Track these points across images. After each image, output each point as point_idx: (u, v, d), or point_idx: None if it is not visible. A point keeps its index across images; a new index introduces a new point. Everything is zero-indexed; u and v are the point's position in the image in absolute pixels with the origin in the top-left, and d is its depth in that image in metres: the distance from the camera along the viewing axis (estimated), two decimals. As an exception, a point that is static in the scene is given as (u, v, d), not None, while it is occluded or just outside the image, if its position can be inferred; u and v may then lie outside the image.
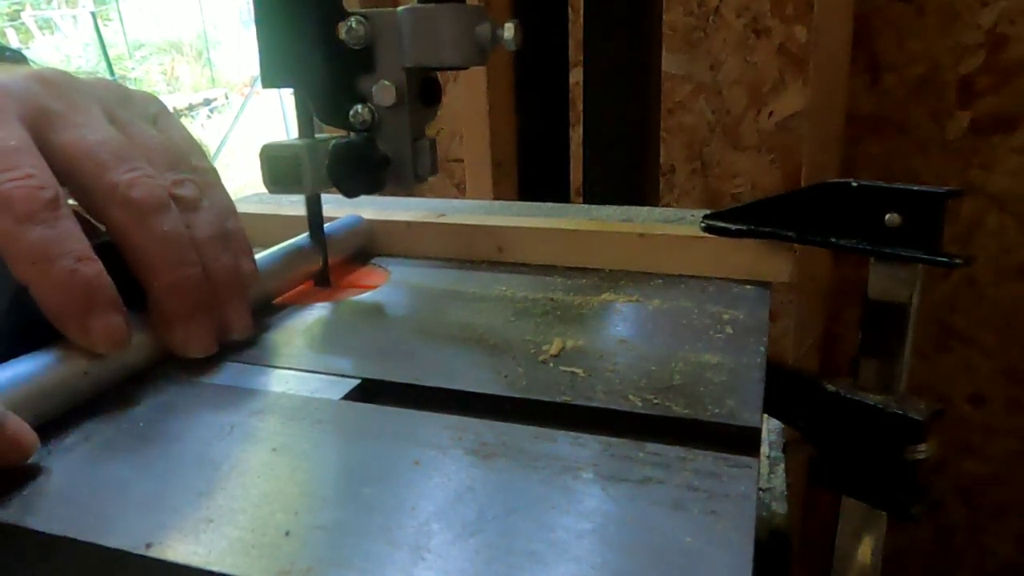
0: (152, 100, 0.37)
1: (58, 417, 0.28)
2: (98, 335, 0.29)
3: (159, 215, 0.31)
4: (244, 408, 0.29)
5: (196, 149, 0.36)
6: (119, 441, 0.27)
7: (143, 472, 0.25)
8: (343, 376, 0.32)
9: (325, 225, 0.45)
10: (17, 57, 0.41)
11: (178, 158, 0.34)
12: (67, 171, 0.30)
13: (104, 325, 0.29)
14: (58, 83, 0.32)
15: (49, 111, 0.31)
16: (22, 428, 0.25)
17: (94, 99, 0.33)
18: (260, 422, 0.28)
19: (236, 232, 0.35)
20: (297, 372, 0.33)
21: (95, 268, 0.29)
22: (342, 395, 0.31)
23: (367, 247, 0.49)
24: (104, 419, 0.29)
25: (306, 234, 0.44)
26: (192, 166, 0.35)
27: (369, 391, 0.31)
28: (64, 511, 0.23)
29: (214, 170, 0.36)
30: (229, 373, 0.33)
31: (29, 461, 0.25)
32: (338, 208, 0.49)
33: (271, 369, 0.33)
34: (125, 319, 0.30)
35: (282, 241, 0.45)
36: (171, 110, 0.37)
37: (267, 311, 0.40)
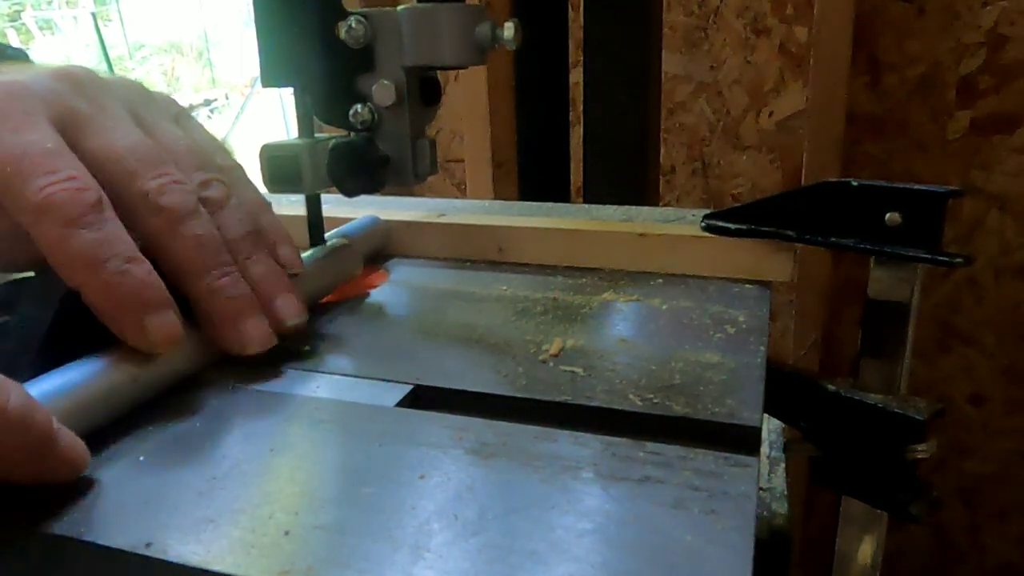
0: (172, 101, 0.37)
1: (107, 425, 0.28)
2: (156, 334, 0.28)
3: (190, 220, 0.31)
4: (244, 408, 0.29)
5: (220, 148, 0.36)
6: (117, 440, 0.27)
7: (143, 471, 0.25)
8: (388, 380, 0.32)
9: (343, 227, 0.45)
10: (20, 55, 0.41)
11: (204, 159, 0.34)
12: (97, 176, 0.30)
13: (161, 323, 0.29)
14: (84, 82, 0.32)
15: (77, 112, 0.30)
16: (75, 444, 0.24)
17: (120, 100, 0.33)
18: (260, 421, 0.28)
19: (271, 226, 0.35)
20: (346, 378, 0.32)
21: (145, 268, 0.29)
22: (396, 402, 0.30)
23: (384, 248, 0.49)
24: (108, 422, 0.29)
25: (338, 236, 0.43)
26: (218, 166, 0.34)
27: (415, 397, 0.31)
28: (63, 511, 0.23)
29: (240, 167, 0.36)
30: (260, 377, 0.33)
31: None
32: (336, 208, 0.49)
33: (294, 372, 0.33)
34: (179, 317, 0.29)
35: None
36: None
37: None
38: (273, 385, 0.32)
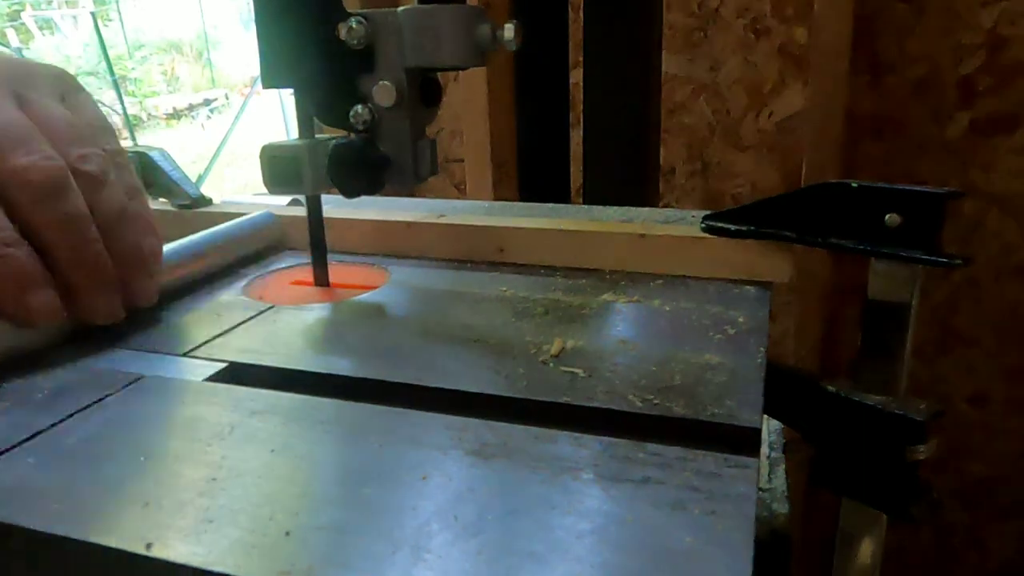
0: (62, 77, 0.37)
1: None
2: (36, 310, 0.31)
3: (58, 196, 0.32)
4: (243, 408, 0.29)
5: (105, 128, 0.37)
6: (116, 441, 0.27)
7: (143, 471, 0.25)
8: (214, 360, 0.33)
9: (232, 223, 0.47)
10: None
11: (85, 135, 0.35)
12: None
13: (41, 300, 0.31)
14: None
15: None
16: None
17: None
18: (260, 422, 0.28)
19: (142, 211, 0.36)
20: (169, 357, 0.34)
21: (25, 250, 0.31)
22: (204, 377, 0.32)
23: (278, 243, 0.51)
24: (100, 419, 0.29)
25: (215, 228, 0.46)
26: (99, 145, 0.35)
27: (244, 375, 0.33)
28: (64, 511, 0.23)
29: (122, 151, 0.37)
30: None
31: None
32: (337, 208, 0.49)
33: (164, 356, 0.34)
34: (56, 293, 0.32)
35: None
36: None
37: (269, 311, 0.40)
38: (145, 368, 0.33)
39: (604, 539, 0.21)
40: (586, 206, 0.56)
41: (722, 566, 0.20)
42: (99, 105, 0.38)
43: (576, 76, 0.83)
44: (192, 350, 0.35)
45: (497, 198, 0.92)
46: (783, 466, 0.47)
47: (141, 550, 0.21)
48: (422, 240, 0.48)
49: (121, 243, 0.34)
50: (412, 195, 0.70)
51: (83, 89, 0.38)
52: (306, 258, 0.46)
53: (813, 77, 0.87)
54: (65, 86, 0.37)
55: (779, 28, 0.93)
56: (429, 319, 0.39)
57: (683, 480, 0.24)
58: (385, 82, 0.39)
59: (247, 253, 0.48)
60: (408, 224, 0.49)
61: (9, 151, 0.31)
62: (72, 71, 0.38)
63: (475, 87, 0.90)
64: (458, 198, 1.08)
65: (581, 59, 0.75)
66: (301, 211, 0.50)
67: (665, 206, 1.02)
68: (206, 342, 0.36)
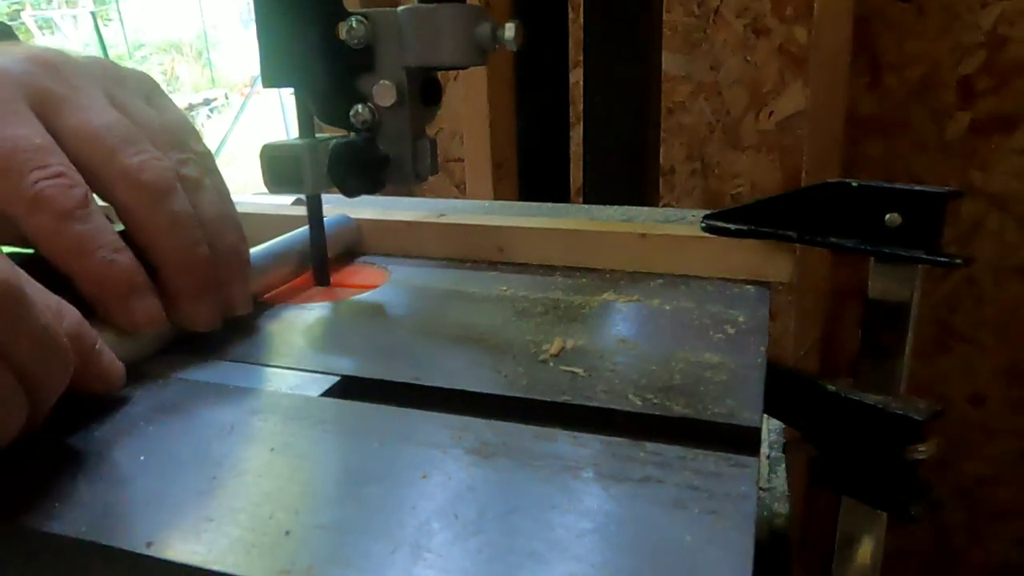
0: (145, 79, 0.37)
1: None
2: (141, 316, 0.31)
3: (169, 197, 0.32)
4: (244, 407, 0.29)
5: (192, 131, 0.37)
6: (118, 440, 0.27)
7: (143, 471, 0.25)
8: (328, 373, 0.32)
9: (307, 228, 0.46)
10: (4, 30, 0.41)
11: (178, 138, 0.35)
12: (75, 155, 0.31)
13: (145, 306, 0.31)
14: (57, 64, 0.32)
15: (52, 94, 0.31)
16: (113, 363, 0.29)
17: (93, 80, 0.33)
18: (260, 421, 0.28)
19: (234, 214, 0.36)
20: (278, 369, 0.33)
21: (130, 256, 0.31)
22: (321, 392, 0.31)
23: (355, 247, 0.49)
24: (102, 418, 0.29)
25: (296, 232, 0.45)
26: (191, 148, 0.35)
27: (357, 389, 0.32)
28: (64, 510, 0.23)
29: (210, 153, 0.37)
30: (219, 371, 0.33)
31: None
32: (337, 208, 0.49)
33: (258, 367, 0.33)
34: (159, 300, 0.32)
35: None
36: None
37: (268, 310, 0.40)
38: (250, 381, 0.32)
39: (604, 538, 0.21)
40: (586, 206, 0.56)
41: (722, 566, 0.20)
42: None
43: (576, 76, 0.83)
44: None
45: (497, 198, 0.92)
46: (783, 466, 0.47)
47: (141, 549, 0.21)
48: (422, 239, 0.48)
49: (221, 246, 0.34)
50: (412, 194, 0.70)
51: (164, 92, 0.37)
52: (380, 261, 0.47)
53: (813, 77, 0.87)
54: (149, 88, 0.36)
55: (779, 28, 0.93)
56: (429, 318, 0.39)
57: (683, 479, 0.24)
58: (385, 81, 0.39)
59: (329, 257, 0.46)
60: (408, 223, 0.49)
61: (118, 151, 0.31)
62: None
63: (475, 87, 0.90)
64: (458, 198, 1.08)
65: (581, 59, 0.75)
66: (374, 213, 0.50)
67: (665, 206, 1.02)
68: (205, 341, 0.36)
